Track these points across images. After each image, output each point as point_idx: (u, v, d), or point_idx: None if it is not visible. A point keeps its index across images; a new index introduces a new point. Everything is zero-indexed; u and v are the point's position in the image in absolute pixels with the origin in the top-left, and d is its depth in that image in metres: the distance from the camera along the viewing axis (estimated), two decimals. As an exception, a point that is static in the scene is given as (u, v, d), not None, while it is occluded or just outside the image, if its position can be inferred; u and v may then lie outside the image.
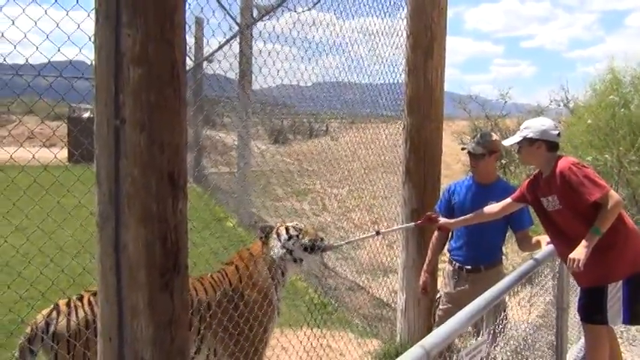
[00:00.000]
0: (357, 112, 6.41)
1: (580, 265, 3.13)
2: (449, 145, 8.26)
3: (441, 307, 3.94)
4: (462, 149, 3.92)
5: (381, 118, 5.99)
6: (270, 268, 3.57)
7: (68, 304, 2.98)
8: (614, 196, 3.23)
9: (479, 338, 2.54)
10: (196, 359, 3.30)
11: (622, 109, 8.06)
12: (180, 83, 1.91)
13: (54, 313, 2.91)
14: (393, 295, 5.57)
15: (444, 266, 4.11)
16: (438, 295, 4.01)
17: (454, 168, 13.78)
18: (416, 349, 1.85)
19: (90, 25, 1.91)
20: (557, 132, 3.49)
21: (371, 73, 5.25)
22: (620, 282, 3.33)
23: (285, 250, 3.58)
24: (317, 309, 5.22)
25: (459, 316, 2.22)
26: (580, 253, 3.16)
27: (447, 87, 4.83)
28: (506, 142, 3.71)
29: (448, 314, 3.78)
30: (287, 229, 3.65)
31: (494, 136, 3.89)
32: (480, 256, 3.78)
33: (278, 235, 3.63)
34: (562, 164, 3.34)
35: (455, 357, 2.32)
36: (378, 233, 4.05)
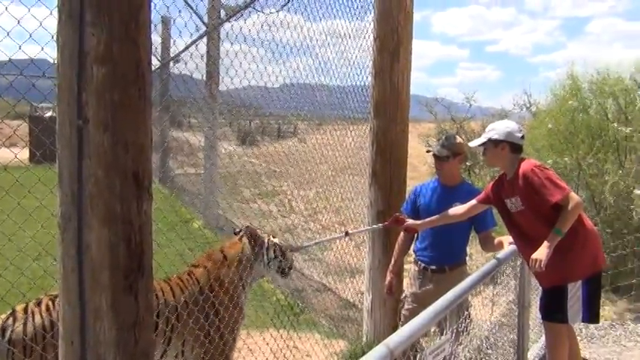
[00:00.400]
0: (325, 114, 6.44)
1: (542, 265, 3.21)
2: (415, 148, 8.36)
3: (406, 306, 3.99)
4: (427, 152, 3.98)
5: (349, 121, 6.03)
6: (243, 272, 3.59)
7: (25, 310, 2.91)
8: (575, 197, 3.32)
9: (442, 337, 2.58)
10: None
11: (581, 114, 8.29)
12: (145, 83, 1.89)
13: (10, 320, 2.84)
14: (359, 295, 5.60)
15: (410, 267, 4.16)
16: (404, 295, 4.06)
17: (420, 170, 13.94)
18: (380, 348, 1.88)
19: (52, 23, 1.88)
20: (521, 134, 3.59)
21: (339, 75, 5.29)
22: (580, 282, 3.43)
23: (263, 266, 3.70)
24: (284, 310, 5.22)
25: (422, 316, 2.26)
26: (542, 253, 3.25)
27: (413, 90, 4.89)
28: (472, 144, 3.80)
29: (413, 314, 3.83)
30: (274, 249, 3.73)
31: (459, 139, 3.96)
32: (445, 257, 3.84)
33: (264, 248, 3.71)
34: (525, 166, 3.43)
35: (419, 356, 2.36)
36: (347, 234, 4.07)
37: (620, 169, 8.00)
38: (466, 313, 3.28)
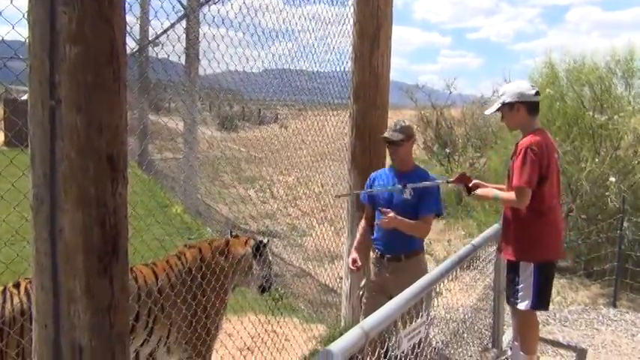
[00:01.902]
0: (306, 100, 6.41)
1: (474, 196, 3.66)
2: (395, 134, 8.37)
3: (365, 295, 3.99)
4: (383, 139, 3.91)
5: (330, 106, 6.02)
6: (235, 273, 3.72)
7: (3, 292, 2.89)
8: (519, 197, 3.43)
9: (418, 320, 2.61)
10: (144, 347, 3.28)
11: (558, 102, 8.38)
12: (120, 64, 1.86)
13: None
14: (338, 281, 5.64)
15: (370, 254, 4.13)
16: (363, 284, 4.05)
17: (400, 157, 13.99)
18: (355, 330, 1.89)
19: (23, 1, 1.84)
20: (534, 91, 3.60)
21: (320, 60, 5.26)
22: (532, 266, 3.52)
23: (251, 278, 3.82)
24: (263, 296, 5.22)
25: (397, 299, 2.28)
26: (482, 190, 3.66)
27: (394, 76, 4.89)
28: (488, 112, 3.84)
29: (372, 302, 3.86)
30: (268, 268, 3.89)
31: (408, 122, 3.92)
32: (399, 245, 3.79)
33: (262, 264, 3.84)
34: (526, 140, 3.50)
35: (394, 338, 2.38)
36: (404, 186, 3.74)
37: (596, 157, 8.13)
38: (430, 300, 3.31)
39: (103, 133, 1.84)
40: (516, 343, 3.89)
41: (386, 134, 3.84)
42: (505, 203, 3.56)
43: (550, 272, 3.64)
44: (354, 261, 3.94)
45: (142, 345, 3.25)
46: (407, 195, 3.72)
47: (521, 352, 3.71)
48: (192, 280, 3.43)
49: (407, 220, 3.66)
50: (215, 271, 3.54)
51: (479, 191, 3.64)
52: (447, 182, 3.97)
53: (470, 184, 3.75)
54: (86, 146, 1.80)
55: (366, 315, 3.97)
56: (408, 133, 3.80)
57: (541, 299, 3.57)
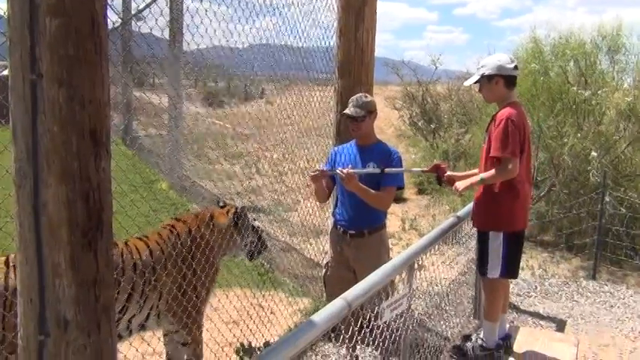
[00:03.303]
0: (292, 76, 6.38)
1: (455, 189, 3.66)
2: (382, 110, 8.40)
3: (329, 272, 4.02)
4: (342, 115, 3.89)
5: (316, 82, 6.00)
6: (222, 242, 3.75)
7: (6, 262, 2.93)
8: (509, 167, 3.43)
9: (400, 292, 2.66)
10: (136, 318, 3.37)
11: (542, 77, 8.43)
12: (102, 37, 1.85)
13: None
14: (323, 255, 5.68)
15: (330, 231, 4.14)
16: (326, 261, 4.08)
17: (387, 132, 14.03)
18: (338, 301, 1.93)
19: (1, -27, 1.82)
20: (513, 65, 3.63)
21: (306, 35, 5.22)
22: (501, 236, 3.60)
23: (238, 246, 3.90)
24: (248, 270, 5.27)
25: (379, 272, 2.32)
26: (462, 183, 3.64)
27: (381, 52, 4.89)
28: (467, 82, 3.88)
29: (336, 278, 3.92)
30: (254, 234, 3.95)
31: (370, 97, 3.91)
32: (362, 221, 3.80)
33: (246, 231, 3.89)
34: (505, 112, 3.54)
35: (376, 309, 2.43)
36: (382, 171, 3.72)
37: (579, 132, 8.22)
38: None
39: (86, 107, 1.83)
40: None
41: (347, 110, 3.82)
42: (496, 179, 3.52)
43: (519, 242, 3.73)
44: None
45: (134, 316, 3.34)
46: (371, 168, 3.73)
47: (485, 320, 3.80)
48: (179, 254, 3.49)
49: (369, 189, 3.65)
50: (200, 245, 3.57)
51: (460, 186, 3.63)
52: (422, 172, 4.06)
53: (443, 177, 3.81)
54: (68, 120, 1.80)
55: (329, 290, 4.03)
56: (368, 109, 3.79)
57: (510, 268, 3.67)
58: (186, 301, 3.49)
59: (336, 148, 4.09)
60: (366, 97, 3.85)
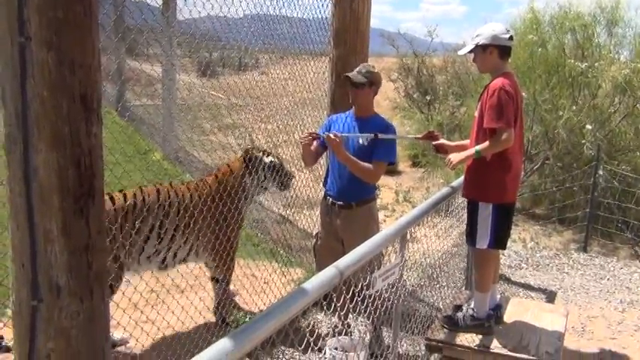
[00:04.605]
0: (287, 47, 6.29)
1: (451, 164, 3.61)
2: (376, 82, 8.33)
3: (319, 243, 4.04)
4: (344, 77, 3.82)
5: (311, 54, 5.93)
6: (244, 184, 4.20)
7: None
8: (504, 136, 3.41)
9: (392, 261, 2.68)
10: (179, 253, 3.96)
11: (539, 49, 8.37)
12: (91, 0, 1.82)
13: None
14: (317, 225, 5.70)
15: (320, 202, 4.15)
16: (316, 232, 4.10)
17: (382, 105, 13.95)
18: (330, 270, 1.94)
19: None
20: (508, 35, 3.60)
21: (302, 5, 5.13)
22: (491, 207, 3.61)
23: (259, 183, 4.27)
24: (242, 241, 5.29)
25: (372, 241, 2.33)
26: (457, 157, 3.61)
27: (376, 24, 4.82)
28: (461, 52, 3.84)
29: (326, 249, 3.94)
30: (268, 169, 4.26)
31: (376, 70, 3.89)
32: (351, 193, 3.80)
33: (261, 162, 4.25)
34: (498, 82, 3.50)
35: (368, 278, 2.45)
36: (376, 136, 3.69)
37: (574, 105, 8.20)
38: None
39: (76, 72, 1.81)
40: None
41: (349, 73, 3.79)
42: (492, 150, 3.50)
43: (509, 214, 3.74)
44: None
45: (178, 249, 3.93)
46: (363, 141, 3.71)
47: (476, 290, 3.84)
48: (212, 200, 3.99)
49: (357, 160, 3.63)
50: (225, 191, 4.03)
51: (455, 159, 3.60)
52: (416, 139, 4.11)
53: (435, 143, 3.86)
54: (58, 85, 1.77)
55: (319, 261, 4.07)
56: (371, 79, 3.76)
57: (498, 239, 3.68)
58: (217, 243, 4.00)
59: (332, 117, 4.05)
60: (373, 67, 3.83)
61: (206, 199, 3.98)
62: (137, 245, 3.66)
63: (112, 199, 3.55)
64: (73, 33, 1.78)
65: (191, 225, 3.89)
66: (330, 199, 3.88)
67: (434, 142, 3.90)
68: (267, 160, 4.28)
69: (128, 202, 3.64)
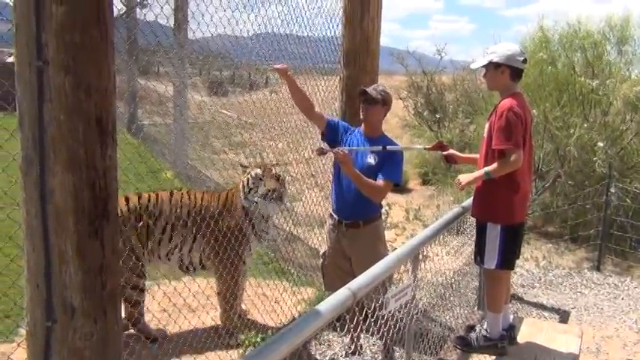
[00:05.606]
0: (297, 65, 6.34)
1: (459, 185, 3.66)
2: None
3: (327, 261, 4.03)
4: (360, 90, 3.83)
5: (321, 72, 5.97)
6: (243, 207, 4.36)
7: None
8: (514, 158, 3.41)
9: (405, 282, 2.67)
10: (191, 255, 4.29)
11: (549, 67, 8.37)
12: (107, 24, 1.85)
13: None
14: (324, 244, 5.68)
15: (327, 220, 4.14)
16: (323, 251, 4.09)
17: (391, 122, 13.98)
18: (343, 291, 1.93)
19: (7, -40, 1.81)
20: (522, 58, 3.61)
21: (312, 24, 5.18)
22: (499, 228, 3.60)
23: (245, 199, 4.35)
24: (253, 260, 5.28)
25: (385, 261, 2.32)
26: (466, 177, 3.66)
27: (386, 42, 4.85)
28: (474, 65, 3.86)
29: (334, 268, 3.93)
30: (251, 181, 4.34)
31: (390, 91, 3.92)
32: (358, 212, 3.79)
33: (243, 185, 4.37)
34: (507, 103, 3.51)
35: (381, 299, 2.44)
36: (384, 148, 3.70)
37: (585, 123, 8.17)
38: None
39: (92, 95, 1.83)
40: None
41: (365, 87, 3.82)
42: (502, 172, 3.49)
43: (517, 235, 3.72)
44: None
45: (190, 250, 4.27)
46: (371, 160, 3.73)
47: (488, 311, 3.81)
48: (219, 214, 4.27)
49: (362, 175, 3.61)
50: (229, 211, 4.34)
51: (464, 180, 3.66)
52: (425, 149, 4.10)
53: (444, 153, 3.89)
54: (75, 108, 1.80)
55: (327, 280, 4.05)
56: (385, 98, 3.80)
57: (506, 260, 3.67)
58: (221, 255, 4.18)
59: (347, 126, 4.03)
60: (387, 89, 3.89)
61: (213, 213, 4.25)
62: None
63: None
64: (89, 57, 1.81)
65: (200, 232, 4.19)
66: (337, 218, 3.89)
67: (444, 153, 3.92)
68: (253, 172, 4.36)
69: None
